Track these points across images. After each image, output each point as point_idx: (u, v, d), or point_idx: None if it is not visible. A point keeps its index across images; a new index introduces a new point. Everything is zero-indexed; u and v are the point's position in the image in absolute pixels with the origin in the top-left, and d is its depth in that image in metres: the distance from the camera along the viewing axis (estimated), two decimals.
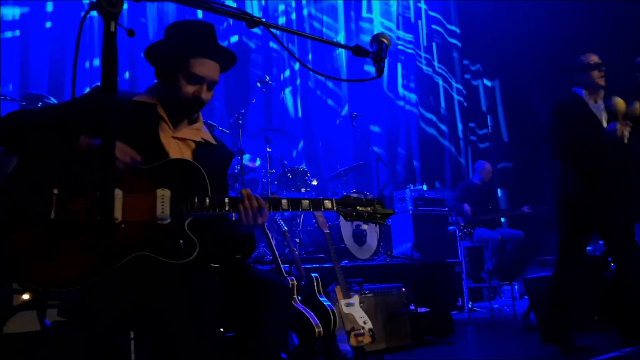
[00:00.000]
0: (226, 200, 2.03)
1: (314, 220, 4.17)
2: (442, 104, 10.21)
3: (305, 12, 8.84)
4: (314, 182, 6.11)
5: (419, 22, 10.25)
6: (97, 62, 6.43)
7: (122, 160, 1.88)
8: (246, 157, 6.24)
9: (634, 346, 3.38)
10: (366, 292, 4.13)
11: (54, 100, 4.64)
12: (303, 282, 3.72)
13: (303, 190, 5.85)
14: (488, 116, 10.64)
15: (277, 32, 1.70)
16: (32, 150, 1.88)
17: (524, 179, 9.69)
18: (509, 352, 4.26)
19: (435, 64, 10.29)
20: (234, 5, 7.59)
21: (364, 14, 9.53)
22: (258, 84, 6.13)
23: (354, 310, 3.79)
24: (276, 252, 3.74)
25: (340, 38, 9.09)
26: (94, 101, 2.01)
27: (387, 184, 8.08)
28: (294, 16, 8.67)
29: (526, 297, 5.64)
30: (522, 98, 9.77)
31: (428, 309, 4.62)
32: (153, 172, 1.98)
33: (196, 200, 1.97)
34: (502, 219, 8.09)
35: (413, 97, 9.81)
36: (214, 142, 2.31)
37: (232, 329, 2.09)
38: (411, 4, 10.11)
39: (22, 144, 1.89)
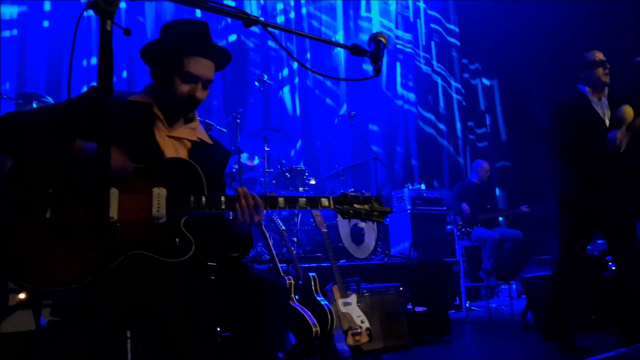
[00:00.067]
0: (222, 198, 2.03)
1: (311, 220, 4.17)
2: (441, 103, 10.20)
3: (304, 10, 8.83)
4: (312, 182, 6.11)
5: (418, 21, 10.24)
6: (94, 60, 6.42)
7: (113, 167, 1.88)
8: (244, 155, 6.24)
9: (633, 346, 3.38)
10: (364, 291, 4.13)
11: (50, 99, 4.63)
12: (300, 282, 3.72)
13: (301, 189, 5.85)
14: (487, 115, 10.63)
15: (276, 32, 1.69)
16: (28, 152, 1.87)
17: (523, 179, 9.69)
18: (506, 351, 4.27)
19: (434, 63, 10.28)
20: (233, 4, 7.59)
21: (363, 13, 9.53)
22: (256, 83, 6.12)
23: (352, 309, 3.79)
24: (274, 252, 3.73)
25: (339, 37, 9.08)
26: (90, 101, 2.00)
27: (385, 183, 8.09)
28: (292, 15, 8.66)
29: (524, 296, 5.65)
30: (521, 97, 9.78)
31: (426, 308, 4.62)
32: (149, 171, 1.98)
33: (192, 198, 1.97)
34: (500, 219, 8.09)
35: (412, 96, 9.81)
36: (210, 141, 2.30)
37: (229, 328, 2.09)
38: (410, 3, 10.09)
39: (19, 146, 1.88)
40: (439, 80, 10.30)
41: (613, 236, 3.84)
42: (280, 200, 2.14)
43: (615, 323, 4.02)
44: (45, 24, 6.17)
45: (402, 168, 9.37)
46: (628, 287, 3.74)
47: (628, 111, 3.75)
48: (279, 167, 6.05)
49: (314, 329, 3.42)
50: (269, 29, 1.68)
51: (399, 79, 9.75)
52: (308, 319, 3.44)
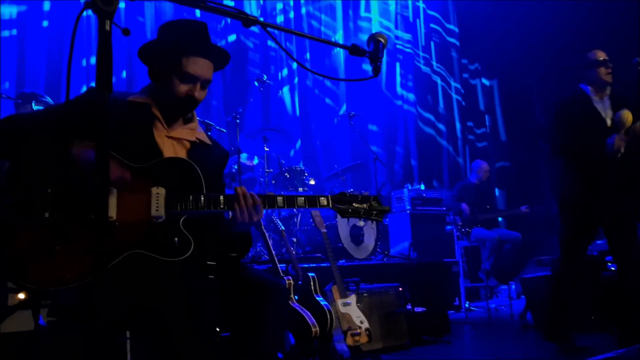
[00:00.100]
0: (221, 198, 2.03)
1: (311, 220, 4.17)
2: (441, 103, 10.20)
3: (303, 10, 8.83)
4: (312, 182, 6.11)
5: (418, 21, 10.24)
6: (94, 60, 6.41)
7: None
8: (243, 156, 6.24)
9: (633, 346, 3.38)
10: (363, 291, 4.13)
11: (49, 99, 4.63)
12: (300, 282, 3.72)
13: (300, 189, 5.84)
14: (486, 115, 10.63)
15: (275, 32, 1.69)
16: (28, 153, 1.87)
17: (522, 179, 9.68)
18: (506, 351, 4.26)
19: (434, 63, 10.28)
20: (232, 4, 7.59)
21: (363, 13, 9.53)
22: (256, 83, 6.11)
23: (351, 309, 3.79)
24: (273, 252, 3.73)
25: (339, 37, 9.08)
26: (89, 102, 1.99)
27: (384, 184, 8.08)
28: (292, 15, 8.66)
29: (523, 296, 5.64)
30: (521, 97, 9.78)
31: (425, 309, 4.62)
32: (148, 171, 1.98)
33: (191, 198, 1.97)
34: (500, 219, 8.09)
35: (411, 96, 9.80)
36: (209, 142, 2.30)
37: (228, 328, 2.09)
38: (410, 3, 10.09)
39: (19, 149, 1.87)
40: (439, 81, 10.30)
41: (613, 236, 3.84)
42: (279, 199, 2.14)
43: (615, 323, 4.03)
44: (45, 23, 6.17)
45: (402, 168, 9.37)
46: (628, 287, 3.74)
47: (627, 116, 3.75)
48: (278, 167, 6.05)
49: (313, 329, 3.42)
50: (268, 29, 1.68)
51: (398, 79, 9.75)
52: (307, 319, 3.44)
